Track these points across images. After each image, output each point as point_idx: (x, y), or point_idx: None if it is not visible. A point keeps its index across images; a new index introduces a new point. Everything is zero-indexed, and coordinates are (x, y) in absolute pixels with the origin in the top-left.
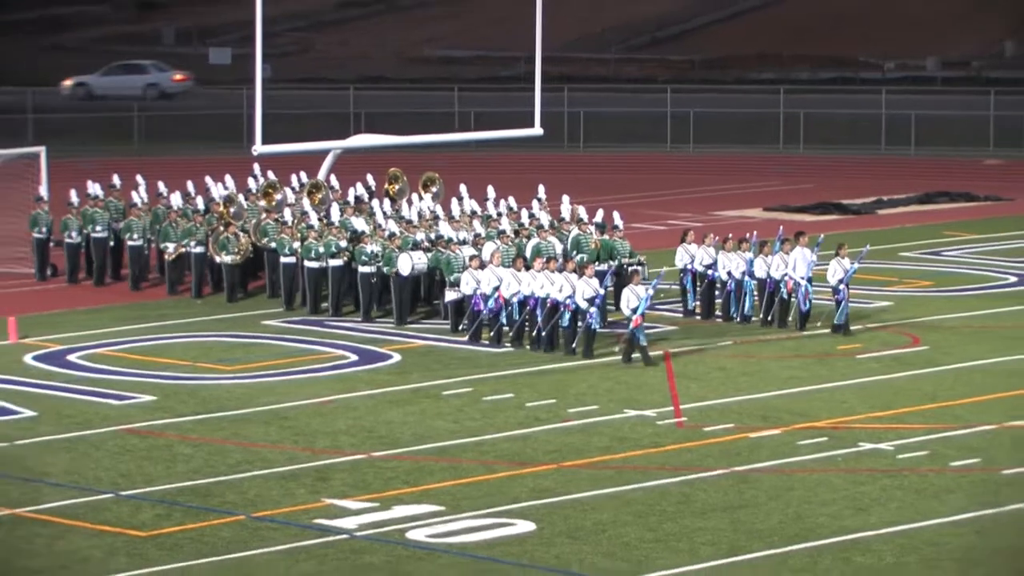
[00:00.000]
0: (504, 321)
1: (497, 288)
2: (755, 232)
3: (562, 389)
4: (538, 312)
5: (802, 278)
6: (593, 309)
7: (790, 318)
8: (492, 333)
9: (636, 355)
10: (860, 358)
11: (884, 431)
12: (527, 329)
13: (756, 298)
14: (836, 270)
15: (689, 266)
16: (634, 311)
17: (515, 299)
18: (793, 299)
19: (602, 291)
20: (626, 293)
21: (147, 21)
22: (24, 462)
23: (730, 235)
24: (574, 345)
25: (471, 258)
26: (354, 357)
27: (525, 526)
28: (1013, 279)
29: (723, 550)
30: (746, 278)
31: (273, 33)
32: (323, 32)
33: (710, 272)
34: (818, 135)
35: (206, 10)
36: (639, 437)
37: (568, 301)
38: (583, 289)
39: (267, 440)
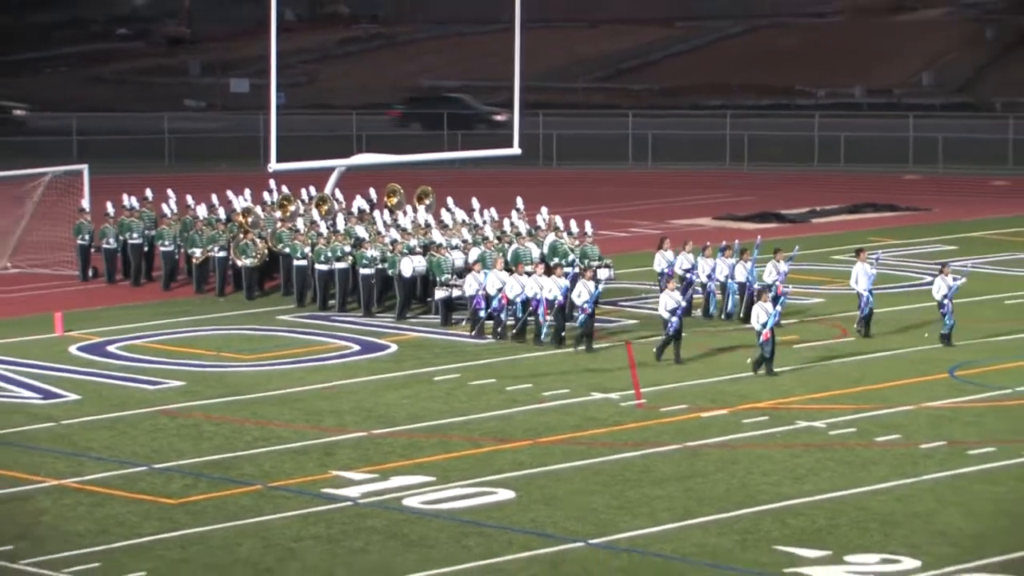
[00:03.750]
0: (503, 318)
1: (501, 289)
2: (737, 240)
3: (538, 375)
4: (539, 311)
5: (865, 290)
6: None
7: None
8: (481, 328)
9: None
10: (797, 347)
11: (818, 411)
12: (524, 325)
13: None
14: (771, 272)
15: (666, 270)
16: (764, 325)
17: (518, 299)
18: (778, 305)
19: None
20: (756, 310)
21: (176, 55)
22: (69, 439)
23: (708, 243)
24: (544, 337)
25: (474, 262)
26: (356, 347)
27: (506, 494)
28: (929, 279)
29: (678, 514)
30: (728, 281)
31: (286, 66)
32: (329, 65)
33: (688, 275)
34: (759, 154)
35: (227, 46)
36: (605, 417)
37: (586, 306)
38: (551, 287)
39: (281, 419)
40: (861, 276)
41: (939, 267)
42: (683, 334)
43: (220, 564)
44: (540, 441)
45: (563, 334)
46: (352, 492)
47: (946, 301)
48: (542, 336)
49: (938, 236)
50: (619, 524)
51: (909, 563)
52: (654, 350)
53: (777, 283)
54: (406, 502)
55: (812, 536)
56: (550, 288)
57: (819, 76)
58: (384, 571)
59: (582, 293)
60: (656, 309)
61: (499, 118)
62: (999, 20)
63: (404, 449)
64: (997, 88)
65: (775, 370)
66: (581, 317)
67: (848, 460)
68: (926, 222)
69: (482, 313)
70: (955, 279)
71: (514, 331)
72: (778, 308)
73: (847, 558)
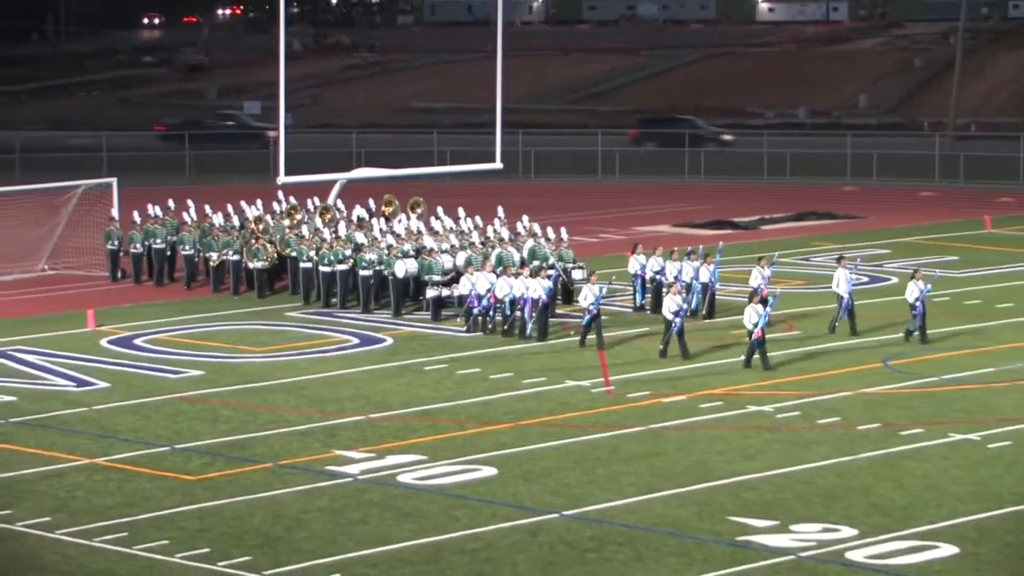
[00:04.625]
0: (493, 315)
1: (490, 290)
2: (701, 246)
3: (518, 365)
4: (526, 309)
5: (846, 292)
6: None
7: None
8: (474, 324)
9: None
10: (747, 341)
11: (766, 396)
12: (512, 322)
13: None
14: (756, 276)
15: (639, 272)
16: (755, 325)
17: (506, 298)
18: (768, 307)
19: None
20: (747, 311)
21: (195, 81)
22: (100, 422)
23: (675, 248)
24: (529, 332)
25: (466, 264)
26: (356, 341)
27: (489, 471)
28: (866, 279)
29: (643, 489)
30: (693, 281)
31: (293, 90)
32: (331, 89)
33: (658, 277)
34: (714, 168)
35: (241, 72)
36: (577, 402)
37: (591, 307)
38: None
39: (288, 405)
40: (842, 280)
41: (911, 272)
42: (647, 329)
43: (235, 534)
44: (520, 424)
45: (548, 331)
46: (352, 469)
47: (918, 303)
48: (527, 332)
49: (873, 241)
50: (590, 497)
51: (847, 531)
52: (660, 347)
53: (762, 287)
54: (400, 478)
55: (761, 508)
56: (535, 288)
57: (767, 99)
58: (381, 539)
59: (587, 296)
60: (626, 307)
61: (727, 138)
62: (927, 50)
63: (398, 431)
64: (925, 110)
65: (770, 363)
66: (587, 318)
67: (793, 440)
68: (862, 228)
69: (476, 310)
70: (926, 284)
71: (504, 327)
72: (767, 310)
73: (792, 527)
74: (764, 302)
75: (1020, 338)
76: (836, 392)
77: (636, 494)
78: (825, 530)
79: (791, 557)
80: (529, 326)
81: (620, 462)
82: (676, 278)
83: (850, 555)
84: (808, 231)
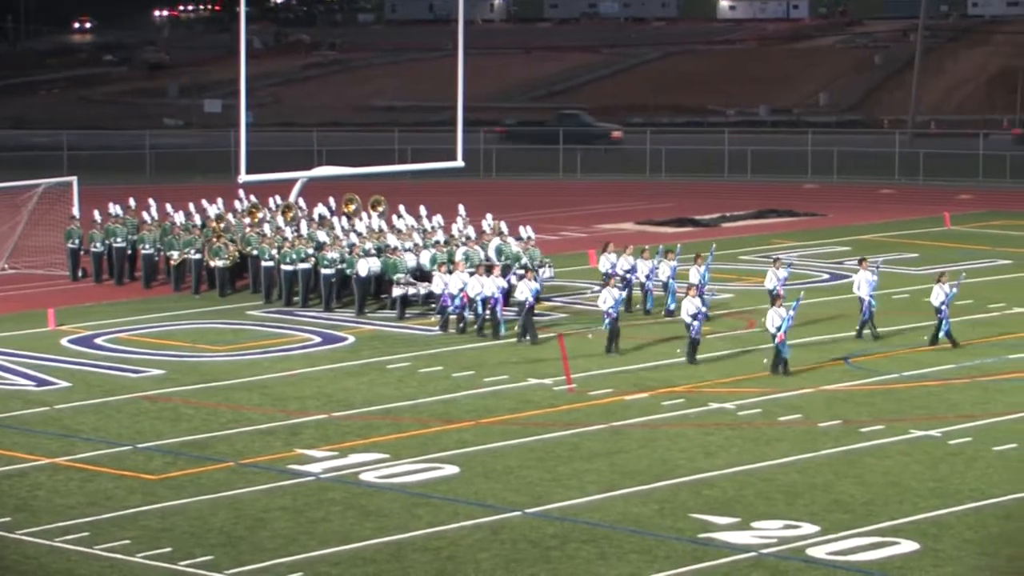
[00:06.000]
0: (467, 315)
1: (463, 289)
2: (679, 245)
3: (480, 363)
4: (497, 308)
5: (867, 295)
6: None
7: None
8: (447, 322)
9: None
10: (709, 337)
11: (728, 394)
12: (484, 321)
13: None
14: (771, 278)
15: (610, 271)
16: (778, 329)
17: (478, 297)
18: (792, 310)
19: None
20: (770, 314)
21: (156, 79)
22: (61, 422)
23: (646, 247)
24: (503, 332)
25: (439, 264)
26: (318, 339)
27: (451, 469)
28: (826, 276)
29: (604, 486)
30: (670, 281)
31: (254, 88)
32: (292, 87)
33: (629, 276)
34: (676, 165)
35: (202, 70)
36: (539, 400)
37: (611, 311)
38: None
39: (251, 404)
40: (863, 283)
41: (936, 276)
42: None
43: (197, 533)
44: (482, 422)
45: (536, 331)
46: (314, 468)
47: (943, 307)
48: (500, 332)
49: (833, 238)
50: (552, 495)
51: (809, 528)
52: (684, 352)
53: (777, 288)
54: (363, 477)
55: (723, 505)
56: (489, 287)
57: (728, 97)
58: (343, 538)
59: (607, 299)
60: (595, 304)
61: (617, 135)
62: (886, 48)
63: (361, 429)
64: (885, 108)
65: (790, 369)
66: (607, 321)
67: (755, 437)
68: (823, 226)
69: (450, 309)
70: (951, 287)
71: (477, 327)
72: (791, 312)
73: (754, 524)
74: (774, 301)
75: (980, 334)
76: (797, 389)
77: (598, 492)
78: (787, 527)
79: (753, 554)
80: (502, 327)
81: (582, 460)
82: (700, 283)
83: (811, 551)
84: (769, 228)
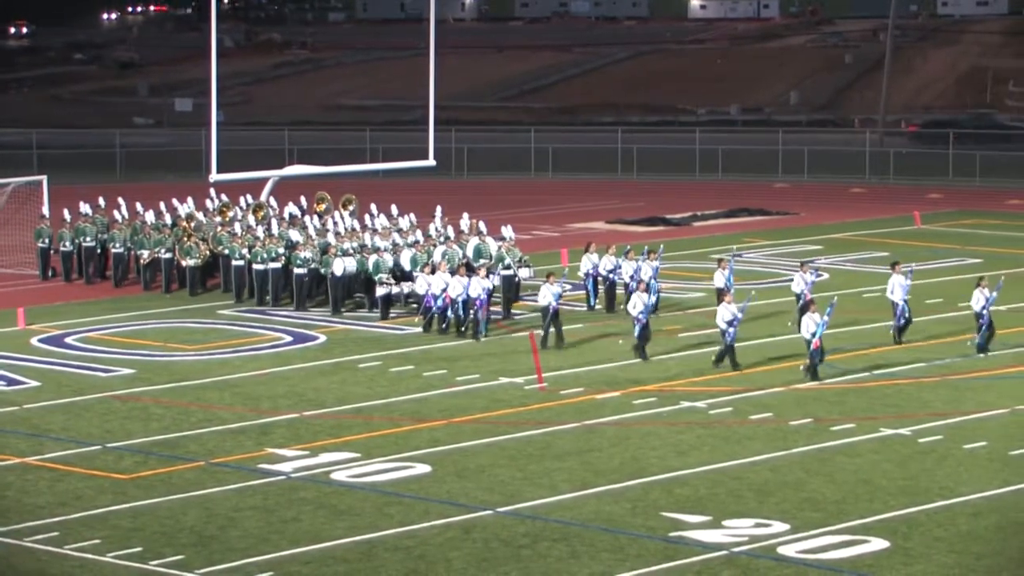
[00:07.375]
0: (450, 315)
1: (444, 289)
2: (662, 245)
3: (451, 362)
4: (480, 309)
5: (901, 299)
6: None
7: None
8: (430, 322)
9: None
10: (680, 336)
11: (699, 392)
12: (465, 320)
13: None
14: (798, 282)
15: (591, 271)
16: (813, 335)
17: (460, 298)
18: (826, 315)
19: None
20: (804, 320)
21: (126, 78)
22: (30, 422)
23: (629, 246)
24: (463, 329)
25: (423, 265)
26: (289, 338)
27: (423, 468)
28: (791, 275)
29: (576, 485)
30: (652, 281)
31: (225, 87)
32: (263, 86)
33: (611, 276)
34: (647, 165)
35: (172, 69)
36: (511, 399)
37: (641, 316)
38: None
39: (222, 403)
40: (897, 287)
41: (976, 280)
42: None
43: (168, 532)
44: (453, 421)
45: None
46: (286, 467)
47: (984, 312)
48: (480, 331)
49: (804, 237)
50: (523, 494)
51: (780, 526)
52: (712, 360)
53: (805, 292)
54: (334, 476)
55: (695, 503)
56: (475, 287)
57: (699, 96)
58: (315, 537)
59: (636, 304)
60: (578, 306)
61: None
62: (857, 47)
63: (332, 429)
64: (855, 107)
65: (819, 376)
66: (637, 327)
67: (726, 436)
68: (794, 225)
69: (434, 309)
70: (991, 291)
71: (459, 327)
72: (826, 317)
73: (725, 523)
74: (804, 308)
75: (950, 333)
76: (768, 388)
77: (570, 490)
78: (757, 525)
79: (724, 552)
80: (482, 326)
81: (554, 458)
82: (727, 286)
83: (782, 550)
84: (740, 227)
